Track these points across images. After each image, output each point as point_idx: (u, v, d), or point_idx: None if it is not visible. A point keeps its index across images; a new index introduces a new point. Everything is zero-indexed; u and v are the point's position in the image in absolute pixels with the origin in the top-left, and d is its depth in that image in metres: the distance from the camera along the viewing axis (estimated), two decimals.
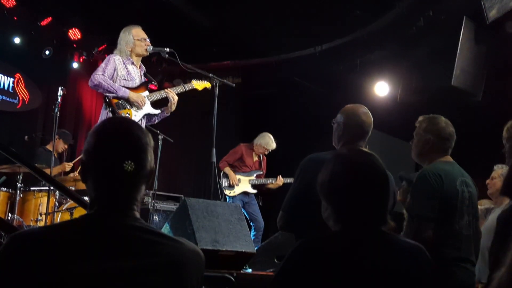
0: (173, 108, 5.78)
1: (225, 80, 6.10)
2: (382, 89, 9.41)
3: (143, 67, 5.82)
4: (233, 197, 8.15)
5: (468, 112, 7.77)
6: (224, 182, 8.19)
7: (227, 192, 8.15)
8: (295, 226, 3.31)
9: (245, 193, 8.25)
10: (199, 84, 6.10)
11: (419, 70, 8.13)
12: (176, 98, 5.78)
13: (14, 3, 8.47)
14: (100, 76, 5.35)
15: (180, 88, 5.90)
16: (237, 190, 8.19)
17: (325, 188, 2.17)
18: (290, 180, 7.84)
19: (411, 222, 3.40)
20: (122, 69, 5.52)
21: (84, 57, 10.09)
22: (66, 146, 8.46)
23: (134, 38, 5.61)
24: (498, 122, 3.55)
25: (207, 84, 6.14)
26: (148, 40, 5.70)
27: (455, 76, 7.27)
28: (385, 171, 2.13)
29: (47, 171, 6.64)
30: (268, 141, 8.38)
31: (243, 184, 8.26)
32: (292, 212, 3.29)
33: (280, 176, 8.32)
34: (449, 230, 3.33)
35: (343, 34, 9.25)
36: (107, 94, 5.36)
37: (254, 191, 8.31)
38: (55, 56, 9.62)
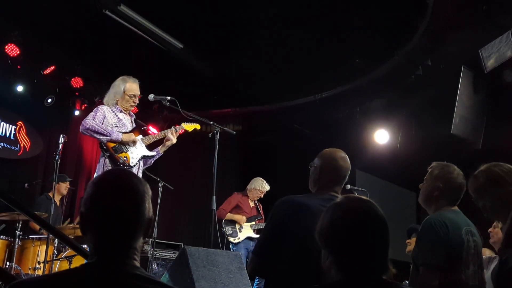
0: (170, 142, 5.81)
1: (225, 128, 6.13)
2: (382, 137, 9.44)
3: (133, 114, 5.86)
4: (237, 244, 8.10)
5: (467, 160, 7.78)
6: (228, 230, 8.16)
7: (231, 239, 8.11)
8: (266, 270, 3.19)
9: (249, 239, 8.21)
10: (188, 126, 6.15)
11: (419, 118, 8.19)
12: (174, 139, 5.83)
13: (18, 52, 8.58)
14: (91, 120, 5.39)
15: (172, 130, 5.93)
16: (241, 236, 8.17)
17: (325, 236, 2.14)
18: None
19: (416, 271, 3.35)
20: (112, 117, 5.55)
21: (86, 105, 10.19)
22: (68, 184, 8.42)
23: (125, 92, 5.63)
24: None
25: (197, 126, 6.20)
26: (137, 97, 5.73)
27: (455, 124, 7.31)
28: (385, 218, 2.12)
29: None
30: (262, 184, 8.48)
31: (246, 230, 8.23)
32: (263, 256, 3.16)
33: None
34: (455, 280, 3.28)
35: (343, 82, 9.35)
36: (101, 138, 5.38)
37: (257, 235, 8.28)
38: (57, 104, 9.70)
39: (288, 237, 3.04)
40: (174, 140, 5.84)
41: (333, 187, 3.30)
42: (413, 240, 5.02)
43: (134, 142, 5.55)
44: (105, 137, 5.39)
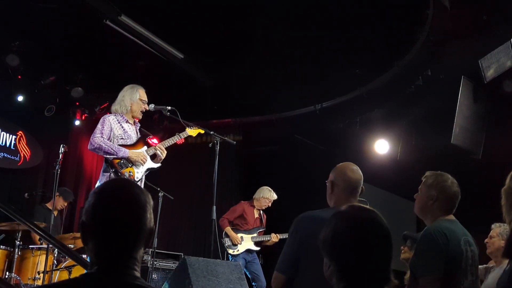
0: (162, 156, 5.77)
1: (226, 138, 6.14)
2: (382, 147, 9.44)
3: (138, 123, 5.85)
4: (236, 255, 8.06)
5: (467, 170, 7.78)
6: (227, 241, 8.12)
7: (230, 251, 8.07)
8: (290, 286, 3.26)
9: (248, 251, 8.16)
10: (192, 131, 6.13)
11: (419, 129, 8.19)
12: (164, 153, 5.78)
13: (19, 62, 8.59)
14: (99, 138, 5.39)
15: (176, 138, 5.92)
16: (240, 248, 8.11)
17: (327, 245, 2.13)
18: (285, 235, 7.78)
19: (414, 281, 3.34)
20: (118, 129, 5.55)
21: (86, 115, 10.20)
22: (66, 204, 8.38)
23: (140, 98, 5.69)
24: (497, 180, 3.53)
25: (201, 130, 6.17)
26: (146, 104, 5.77)
27: (455, 134, 7.32)
28: (388, 227, 2.11)
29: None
30: (270, 193, 8.42)
31: (246, 242, 8.18)
32: (286, 272, 3.25)
33: (274, 234, 8.25)
34: None
35: (343, 92, 9.36)
36: (108, 157, 5.39)
37: (257, 248, 8.24)
38: (58, 114, 9.70)
39: (309, 252, 3.08)
40: (163, 156, 5.75)
41: (347, 199, 3.39)
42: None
43: (143, 161, 5.52)
44: (111, 156, 5.40)
